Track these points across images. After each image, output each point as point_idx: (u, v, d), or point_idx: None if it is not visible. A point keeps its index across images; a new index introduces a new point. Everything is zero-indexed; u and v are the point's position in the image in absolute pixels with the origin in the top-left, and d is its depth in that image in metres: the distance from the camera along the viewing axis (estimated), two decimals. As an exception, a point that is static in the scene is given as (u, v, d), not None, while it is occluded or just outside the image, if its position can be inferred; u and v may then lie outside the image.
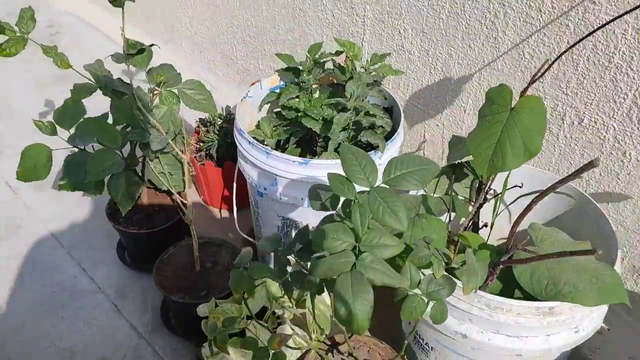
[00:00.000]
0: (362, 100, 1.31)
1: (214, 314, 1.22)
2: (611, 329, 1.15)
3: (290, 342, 1.24)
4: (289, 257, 0.95)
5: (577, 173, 0.80)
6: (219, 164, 1.81)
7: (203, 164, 1.80)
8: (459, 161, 1.26)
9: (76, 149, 1.41)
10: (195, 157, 1.82)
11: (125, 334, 1.54)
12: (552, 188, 0.94)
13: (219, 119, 1.83)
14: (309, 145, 1.51)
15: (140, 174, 1.45)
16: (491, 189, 1.23)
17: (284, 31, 1.93)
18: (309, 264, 0.92)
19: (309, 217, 1.40)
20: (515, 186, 1.22)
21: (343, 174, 0.82)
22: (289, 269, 0.95)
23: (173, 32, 2.50)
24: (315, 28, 1.81)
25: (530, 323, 1.02)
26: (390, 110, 1.50)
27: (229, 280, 0.97)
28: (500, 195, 1.22)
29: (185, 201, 1.44)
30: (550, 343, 1.06)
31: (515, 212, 1.27)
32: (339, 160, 1.26)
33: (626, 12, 0.97)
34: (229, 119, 1.83)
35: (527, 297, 1.06)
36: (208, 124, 1.83)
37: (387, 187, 0.76)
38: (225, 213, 1.95)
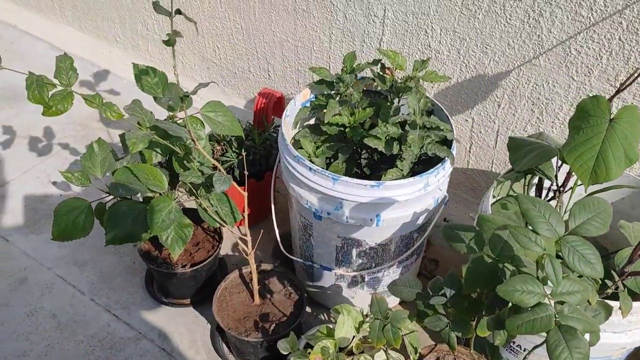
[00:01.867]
0: (423, 115, 1.28)
1: (314, 353, 1.17)
2: None
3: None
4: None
5: None
6: (241, 183, 1.72)
7: (245, 191, 1.70)
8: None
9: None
10: (211, 177, 1.72)
11: (183, 379, 1.46)
12: None
13: (232, 136, 1.72)
14: (352, 159, 1.47)
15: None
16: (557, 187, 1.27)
17: (282, 32, 1.84)
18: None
19: (374, 235, 1.37)
20: (580, 184, 1.25)
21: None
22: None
23: (136, 35, 2.31)
24: (323, 28, 1.73)
25: (639, 319, 1.08)
26: (430, 113, 1.48)
27: (303, 307, 0.94)
28: (571, 193, 1.25)
29: (244, 236, 1.36)
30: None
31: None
32: (410, 179, 1.24)
33: None
34: (247, 134, 1.74)
35: (630, 293, 1.11)
36: (223, 142, 1.72)
37: (576, 236, 0.76)
38: (244, 230, 1.87)
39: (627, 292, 1.09)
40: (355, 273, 1.48)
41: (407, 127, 1.28)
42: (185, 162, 1.28)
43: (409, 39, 1.58)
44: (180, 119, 1.43)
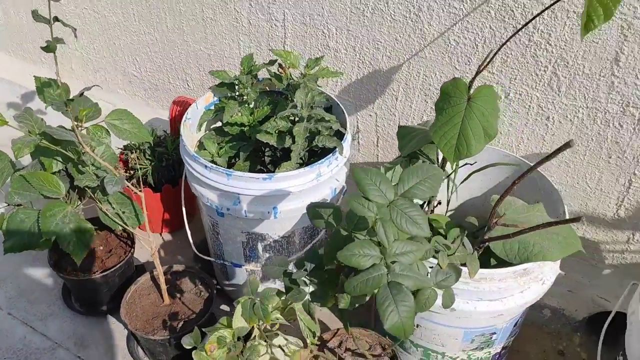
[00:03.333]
0: (312, 108, 1.34)
1: (208, 343, 1.20)
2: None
3: (285, 350, 1.26)
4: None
5: (554, 153, 0.90)
6: (156, 189, 1.75)
7: (140, 191, 1.73)
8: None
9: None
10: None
11: (98, 385, 1.46)
12: (533, 168, 1.01)
13: (146, 143, 1.75)
14: (255, 156, 1.51)
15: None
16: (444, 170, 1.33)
17: (195, 41, 1.88)
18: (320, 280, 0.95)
19: (275, 227, 1.41)
20: (466, 164, 1.32)
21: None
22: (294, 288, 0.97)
23: (63, 56, 2.33)
24: (231, 35, 1.79)
25: (509, 285, 1.14)
26: (330, 109, 1.54)
27: (212, 304, 0.97)
28: (453, 175, 1.32)
29: (137, 234, 1.38)
30: (525, 298, 1.19)
31: (463, 187, 1.39)
32: (302, 170, 1.29)
33: (555, 2, 1.09)
34: (159, 141, 1.77)
35: (501, 262, 1.17)
36: (136, 150, 1.75)
37: (405, 199, 0.81)
38: (167, 236, 1.89)
39: (495, 258, 1.16)
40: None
41: (295, 124, 1.33)
42: (80, 167, 1.31)
43: (309, 39, 1.64)
44: (85, 127, 1.46)
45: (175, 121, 1.83)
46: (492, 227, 1.07)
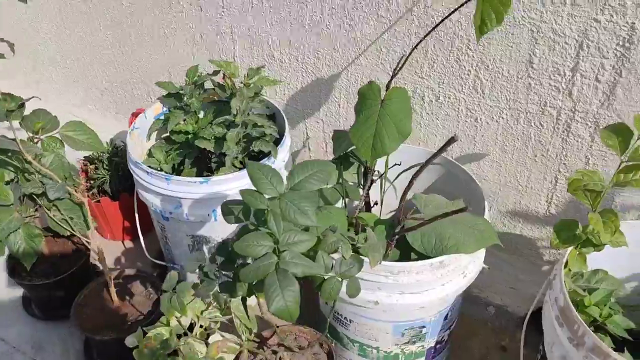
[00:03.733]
0: (248, 114, 1.41)
1: (146, 341, 1.26)
2: (491, 267, 1.35)
3: (223, 348, 1.32)
4: (208, 270, 1.03)
5: (442, 148, 0.96)
6: (115, 197, 1.81)
7: (99, 201, 1.80)
8: (345, 152, 1.40)
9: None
10: (88, 195, 1.81)
11: (53, 386, 1.52)
12: (426, 163, 1.11)
13: (105, 154, 1.82)
14: (203, 163, 1.58)
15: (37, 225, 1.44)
16: (375, 171, 1.39)
17: (157, 55, 1.96)
18: (232, 273, 1.01)
19: (217, 230, 1.47)
20: (395, 165, 1.38)
21: (252, 187, 0.92)
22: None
23: (34, 70, 2.42)
24: (185, 49, 1.87)
25: (427, 278, 1.19)
26: (274, 116, 1.61)
27: (160, 305, 1.03)
28: (384, 175, 1.38)
29: (89, 240, 1.45)
30: (446, 290, 1.24)
31: (400, 187, 1.44)
32: (237, 173, 1.36)
33: (460, 5, 1.16)
34: (116, 152, 1.84)
35: (422, 257, 1.23)
36: (96, 161, 1.82)
37: (294, 191, 0.87)
38: (129, 244, 1.96)
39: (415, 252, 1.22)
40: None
41: (228, 129, 1.40)
42: (26, 175, 1.38)
43: (256, 51, 1.72)
44: (40, 139, 1.53)
45: (134, 132, 1.90)
46: (402, 220, 1.13)
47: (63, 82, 2.33)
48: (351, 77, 1.59)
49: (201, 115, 1.59)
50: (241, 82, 1.51)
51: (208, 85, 1.60)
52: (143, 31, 1.92)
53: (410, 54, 1.19)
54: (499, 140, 1.47)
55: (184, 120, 1.55)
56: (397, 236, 1.16)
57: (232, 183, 1.37)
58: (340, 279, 0.97)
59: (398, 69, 1.20)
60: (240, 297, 1.01)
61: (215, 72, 1.56)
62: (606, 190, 1.12)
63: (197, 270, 1.00)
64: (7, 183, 1.41)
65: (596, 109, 1.29)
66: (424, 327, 1.33)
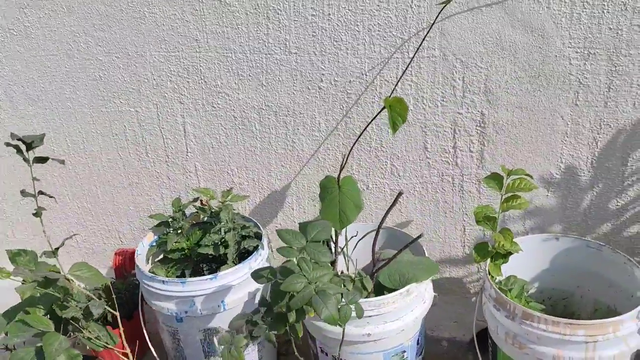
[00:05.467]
0: (234, 222, 1.83)
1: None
2: (434, 308, 1.80)
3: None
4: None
5: (393, 203, 1.46)
6: (115, 325, 2.06)
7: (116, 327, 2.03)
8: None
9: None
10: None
11: None
12: (378, 228, 1.58)
13: (101, 288, 2.09)
14: (197, 273, 1.93)
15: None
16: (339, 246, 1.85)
17: (123, 205, 2.33)
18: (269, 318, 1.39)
19: (225, 319, 1.79)
20: (353, 237, 1.86)
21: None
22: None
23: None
24: (155, 192, 2.26)
25: (401, 305, 1.63)
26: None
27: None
28: (345, 246, 1.84)
29: (126, 351, 1.71)
30: (415, 314, 1.66)
31: (362, 252, 1.90)
32: (237, 266, 1.74)
33: (372, 119, 1.74)
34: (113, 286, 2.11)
35: (391, 291, 1.67)
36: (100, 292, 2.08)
37: (313, 242, 1.31)
38: None
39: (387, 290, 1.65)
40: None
41: (227, 234, 1.81)
42: (64, 303, 1.65)
43: (218, 180, 2.17)
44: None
45: (119, 268, 2.20)
46: (376, 263, 1.59)
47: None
48: (299, 185, 2.09)
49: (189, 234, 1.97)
50: (219, 202, 1.94)
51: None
52: (109, 185, 2.29)
53: (347, 158, 1.72)
54: (417, 207, 2.01)
55: (177, 241, 1.92)
56: (375, 274, 1.61)
57: (234, 275, 1.74)
58: (350, 305, 1.38)
59: (341, 168, 1.72)
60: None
61: (195, 199, 1.98)
62: (498, 215, 1.68)
63: (247, 323, 1.36)
64: (46, 314, 1.67)
65: (475, 170, 1.89)
66: (405, 351, 1.73)
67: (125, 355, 2.06)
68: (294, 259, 1.34)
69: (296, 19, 1.80)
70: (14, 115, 2.24)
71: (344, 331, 1.49)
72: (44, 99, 2.17)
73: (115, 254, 2.24)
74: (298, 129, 1.98)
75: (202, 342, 1.83)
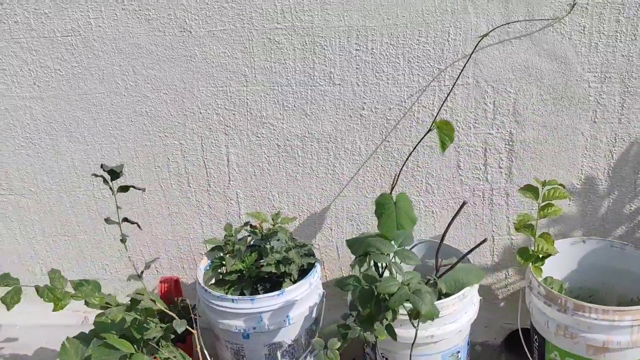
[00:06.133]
0: (293, 240, 1.96)
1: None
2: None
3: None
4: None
5: (452, 219, 1.63)
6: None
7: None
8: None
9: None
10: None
11: None
12: (442, 238, 1.73)
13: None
14: (254, 292, 2.03)
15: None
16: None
17: (162, 235, 2.40)
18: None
19: (289, 333, 1.90)
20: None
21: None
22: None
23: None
24: (194, 220, 2.35)
25: (458, 308, 1.78)
26: (292, 246, 2.15)
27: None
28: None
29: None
30: (469, 315, 1.83)
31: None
32: (300, 282, 1.86)
33: (422, 138, 1.92)
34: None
35: (447, 296, 1.82)
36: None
37: (402, 247, 1.46)
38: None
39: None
40: (283, 373, 1.96)
41: (288, 252, 1.93)
42: (145, 325, 1.72)
43: (259, 206, 2.29)
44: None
45: (166, 295, 2.26)
46: (438, 269, 1.74)
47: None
48: (338, 207, 2.24)
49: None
50: (271, 224, 2.06)
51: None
52: (148, 215, 2.37)
53: (397, 177, 1.88)
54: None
55: (233, 264, 2.02)
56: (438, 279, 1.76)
57: (297, 291, 1.86)
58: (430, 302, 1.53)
59: (392, 186, 1.88)
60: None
61: (246, 224, 2.09)
62: (536, 222, 1.87)
63: (339, 328, 1.48)
64: (122, 336, 1.73)
65: (504, 184, 2.10)
66: (459, 351, 1.88)
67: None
68: (366, 267, 1.49)
69: (341, 53, 1.98)
70: (53, 151, 2.30)
71: (416, 333, 1.63)
72: (86, 135, 2.25)
73: (160, 282, 2.30)
74: (339, 154, 2.14)
75: (266, 357, 1.92)
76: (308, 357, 2.00)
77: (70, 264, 2.54)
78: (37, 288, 1.69)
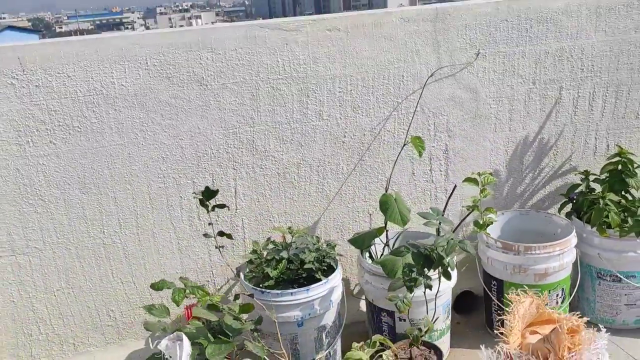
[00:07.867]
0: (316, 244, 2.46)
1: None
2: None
3: None
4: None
5: (447, 200, 2.33)
6: None
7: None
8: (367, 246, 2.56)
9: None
10: None
11: None
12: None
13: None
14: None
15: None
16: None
17: (170, 269, 2.64)
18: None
19: (331, 315, 2.37)
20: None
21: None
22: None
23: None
24: (203, 251, 2.66)
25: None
26: (302, 254, 2.62)
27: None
28: (387, 240, 2.60)
29: None
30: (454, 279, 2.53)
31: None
32: (336, 272, 2.36)
33: (398, 154, 2.61)
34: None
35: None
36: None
37: (443, 216, 2.10)
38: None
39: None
40: (326, 352, 2.40)
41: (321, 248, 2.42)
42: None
43: (261, 229, 2.71)
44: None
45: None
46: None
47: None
48: (327, 219, 2.78)
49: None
50: (292, 236, 2.52)
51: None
52: (157, 251, 2.60)
53: (389, 182, 2.54)
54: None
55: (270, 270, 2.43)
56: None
57: (335, 278, 2.36)
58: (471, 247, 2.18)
59: (386, 189, 2.53)
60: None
61: (269, 240, 2.52)
62: (480, 202, 2.68)
63: (403, 281, 2.04)
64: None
65: (443, 183, 2.89)
66: (449, 305, 2.55)
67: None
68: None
69: (328, 95, 2.59)
70: (64, 205, 2.44)
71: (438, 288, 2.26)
72: (100, 185, 2.46)
73: (185, 308, 2.54)
74: (327, 175, 2.72)
75: (315, 340, 2.35)
76: (338, 338, 2.47)
77: (73, 317, 2.60)
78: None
